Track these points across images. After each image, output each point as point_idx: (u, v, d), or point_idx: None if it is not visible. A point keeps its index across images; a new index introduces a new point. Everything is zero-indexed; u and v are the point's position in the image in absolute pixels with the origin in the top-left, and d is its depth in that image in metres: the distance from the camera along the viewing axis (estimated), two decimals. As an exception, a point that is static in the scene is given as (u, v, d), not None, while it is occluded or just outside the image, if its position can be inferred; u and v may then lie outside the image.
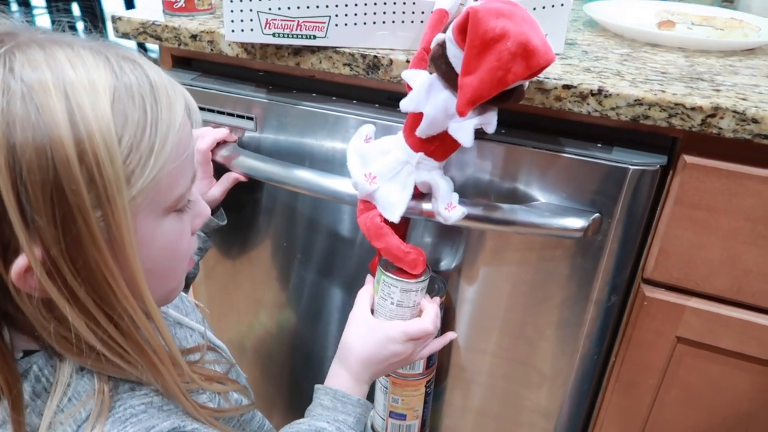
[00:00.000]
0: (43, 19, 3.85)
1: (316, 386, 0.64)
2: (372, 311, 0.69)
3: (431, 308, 0.69)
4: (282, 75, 0.79)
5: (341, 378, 0.64)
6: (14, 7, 3.78)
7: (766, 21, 0.86)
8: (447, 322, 0.81)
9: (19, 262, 0.39)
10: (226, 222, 0.81)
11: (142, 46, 3.22)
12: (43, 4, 3.78)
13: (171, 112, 0.43)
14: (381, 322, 0.67)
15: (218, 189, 0.78)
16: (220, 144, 0.79)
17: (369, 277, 0.73)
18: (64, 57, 0.40)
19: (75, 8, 3.55)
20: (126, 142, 0.40)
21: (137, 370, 0.45)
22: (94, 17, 3.29)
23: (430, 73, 0.60)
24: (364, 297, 0.69)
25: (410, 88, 0.60)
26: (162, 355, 0.46)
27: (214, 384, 0.56)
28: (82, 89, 0.39)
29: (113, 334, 0.43)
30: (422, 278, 0.67)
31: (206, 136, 0.77)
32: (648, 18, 0.89)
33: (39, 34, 0.42)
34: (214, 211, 0.79)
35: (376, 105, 0.74)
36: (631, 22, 0.85)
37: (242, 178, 0.78)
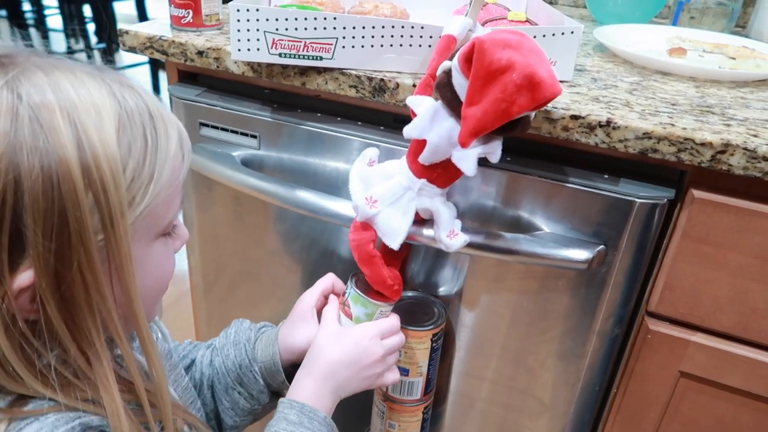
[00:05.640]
0: (54, 20, 3.87)
1: (281, 400, 0.60)
2: None
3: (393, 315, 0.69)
4: (288, 93, 0.78)
5: (307, 388, 0.61)
6: (27, 6, 3.81)
7: (779, 50, 0.85)
8: (447, 347, 0.79)
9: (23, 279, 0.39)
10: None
11: (155, 60, 3.24)
12: (55, 4, 3.80)
13: (167, 140, 0.44)
14: (354, 326, 0.66)
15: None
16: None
17: (332, 297, 0.70)
18: (67, 82, 0.41)
19: (86, 10, 3.57)
20: (130, 169, 0.41)
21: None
22: (106, 20, 3.30)
23: (436, 100, 0.59)
24: (331, 314, 0.67)
25: (415, 115, 0.59)
26: (140, 388, 0.46)
27: None
28: (86, 114, 0.40)
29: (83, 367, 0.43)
30: (397, 301, 0.69)
31: (315, 288, 0.72)
32: (659, 44, 0.88)
33: (38, 58, 0.42)
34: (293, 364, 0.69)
35: (381, 127, 0.74)
36: (641, 47, 0.84)
37: None
